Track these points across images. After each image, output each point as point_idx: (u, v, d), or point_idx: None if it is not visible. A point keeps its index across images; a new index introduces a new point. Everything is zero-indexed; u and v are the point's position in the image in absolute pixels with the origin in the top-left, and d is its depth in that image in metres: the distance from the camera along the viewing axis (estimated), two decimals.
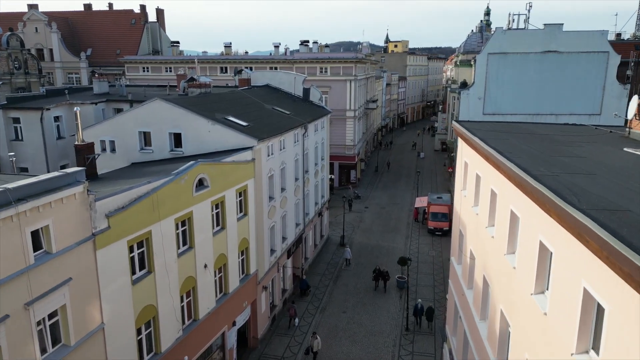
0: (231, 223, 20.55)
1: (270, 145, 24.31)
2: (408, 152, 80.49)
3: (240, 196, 21.50)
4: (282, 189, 26.73)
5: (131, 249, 14.86)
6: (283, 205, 26.80)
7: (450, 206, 42.31)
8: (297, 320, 26.50)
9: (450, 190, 53.88)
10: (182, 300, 17.59)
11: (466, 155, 17.22)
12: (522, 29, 50.97)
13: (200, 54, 62.16)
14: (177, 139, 22.98)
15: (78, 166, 19.51)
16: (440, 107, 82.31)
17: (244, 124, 23.77)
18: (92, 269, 13.30)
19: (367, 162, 68.62)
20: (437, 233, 40.24)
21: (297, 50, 56.61)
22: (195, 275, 18.16)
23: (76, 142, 19.18)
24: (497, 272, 12.36)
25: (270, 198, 24.92)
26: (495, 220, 12.74)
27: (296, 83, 36.68)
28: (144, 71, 56.83)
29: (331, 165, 54.67)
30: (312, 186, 33.21)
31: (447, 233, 40.28)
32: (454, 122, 19.47)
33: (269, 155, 24.18)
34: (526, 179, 9.18)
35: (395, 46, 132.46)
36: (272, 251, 25.60)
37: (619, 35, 58.72)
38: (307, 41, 57.35)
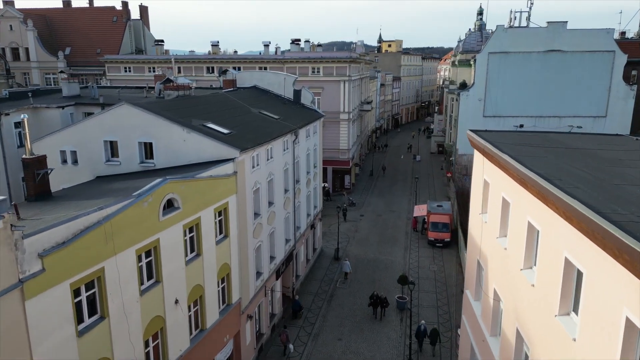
0: (208, 248, 17.70)
1: (255, 156, 21.48)
2: (403, 155, 77.93)
3: (219, 215, 18.66)
4: (270, 203, 23.92)
5: (77, 293, 11.98)
6: (271, 221, 23.98)
7: (452, 215, 39.69)
8: (291, 346, 23.74)
9: (449, 196, 51.33)
10: (146, 346, 14.72)
11: (488, 173, 14.51)
12: (524, 27, 48.57)
13: (187, 54, 59.13)
14: (148, 150, 20.09)
15: (27, 183, 16.64)
16: (437, 108, 79.86)
17: (226, 131, 20.92)
18: (20, 325, 10.41)
19: (362, 166, 65.94)
20: (437, 245, 37.61)
21: (288, 50, 53.78)
22: (164, 314, 15.29)
23: (24, 155, 16.27)
24: (544, 333, 9.61)
25: (256, 215, 22.09)
26: (538, 265, 10.01)
27: (286, 84, 33.88)
28: (125, 71, 53.67)
29: (324, 170, 51.92)
30: (303, 197, 30.42)
31: (449, 244, 37.67)
32: (469, 133, 16.81)
33: (254, 167, 21.35)
34: (605, 226, 6.47)
35: (389, 46, 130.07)
36: (259, 274, 22.77)
37: (623, 33, 56.57)
38: (299, 40, 54.56)
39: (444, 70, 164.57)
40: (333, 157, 51.19)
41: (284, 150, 25.76)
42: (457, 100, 53.21)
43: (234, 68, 51.00)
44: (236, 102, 27.57)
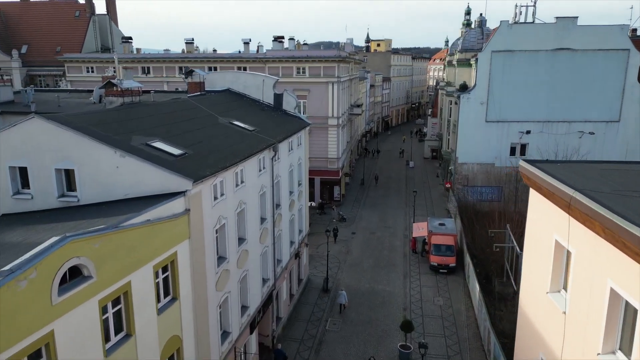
0: (145, 322, 12.55)
1: (219, 183, 16.36)
2: (396, 161, 73.25)
3: (164, 273, 13.52)
4: (241, 240, 18.81)
5: None
6: (242, 263, 18.85)
7: (457, 236, 34.95)
8: None
9: (448, 209, 46.65)
10: None
11: (573, 240, 9.41)
12: (531, 22, 44.17)
13: (161, 52, 53.62)
14: (70, 179, 14.84)
15: None
16: (430, 110, 75.43)
17: (178, 152, 15.76)
18: None
19: (352, 175, 61.05)
20: (441, 271, 32.80)
21: (271, 49, 48.62)
22: None
23: None
24: None
25: (221, 259, 16.96)
26: None
27: (265, 87, 28.77)
28: (88, 72, 48.01)
29: (311, 181, 46.97)
30: (285, 223, 25.35)
31: (454, 270, 32.90)
32: (523, 164, 11.90)
33: (217, 198, 16.24)
34: None
35: (378, 45, 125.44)
36: (226, 334, 17.64)
37: (634, 31, 52.53)
38: (282, 37, 49.44)
39: (433, 70, 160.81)
40: (321, 167, 46.22)
41: (260, 170, 20.68)
42: (456, 103, 48.65)
43: (210, 68, 45.78)
44: (201, 110, 22.40)
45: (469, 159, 45.92)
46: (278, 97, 28.78)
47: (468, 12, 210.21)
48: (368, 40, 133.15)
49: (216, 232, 16.36)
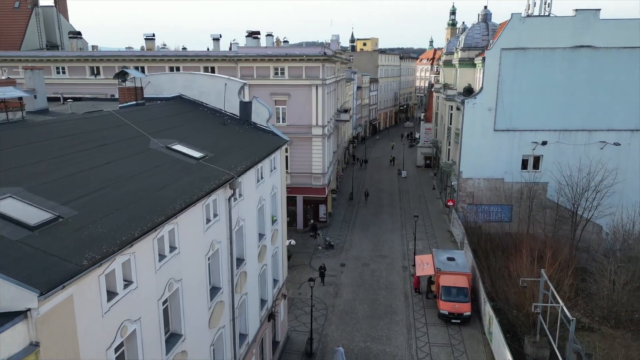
0: None
1: (118, 269, 9.53)
2: (386, 170, 66.90)
3: None
4: (173, 340, 12.00)
5: None
6: None
7: (470, 275, 28.57)
8: None
9: (451, 231, 40.38)
10: None
11: None
12: (546, 15, 38.18)
13: (122, 50, 46.18)
14: None
15: None
16: (422, 114, 69.33)
17: (38, 219, 8.86)
18: None
19: (339, 187, 54.49)
20: (454, 321, 26.37)
21: (244, 45, 41.73)
22: None
23: None
24: None
25: None
26: None
27: (228, 93, 21.97)
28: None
29: (292, 199, 40.33)
30: (253, 281, 18.55)
31: (469, 320, 26.51)
32: None
33: (115, 296, 9.40)
34: None
35: (364, 44, 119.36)
36: None
37: None
38: (257, 33, 42.61)
39: (420, 71, 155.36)
40: (304, 183, 39.53)
41: (209, 221, 13.89)
42: (458, 109, 42.45)
43: (172, 69, 38.72)
44: (128, 129, 15.49)
45: (475, 173, 39.74)
46: (245, 107, 21.98)
47: (453, 12, 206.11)
48: (353, 40, 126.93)
49: (115, 351, 9.51)
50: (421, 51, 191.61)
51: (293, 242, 24.35)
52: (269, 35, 45.74)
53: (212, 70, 38.40)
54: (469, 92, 39.00)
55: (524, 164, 39.31)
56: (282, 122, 38.69)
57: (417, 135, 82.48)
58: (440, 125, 56.68)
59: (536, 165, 39.32)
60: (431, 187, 56.63)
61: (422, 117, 68.66)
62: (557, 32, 36.69)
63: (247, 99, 22.65)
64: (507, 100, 38.04)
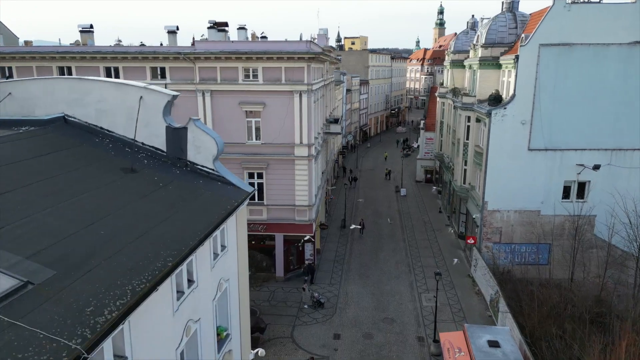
0: None
1: None
2: (381, 186, 58.15)
3: None
4: None
5: None
6: None
7: None
8: None
9: (475, 281, 31.61)
10: None
11: None
12: (597, 2, 29.77)
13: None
14: None
15: None
16: (422, 122, 60.75)
17: None
18: None
19: (329, 212, 45.51)
20: None
21: (206, 39, 32.48)
22: None
23: None
24: None
25: None
26: None
27: (148, 112, 12.74)
28: None
29: (271, 237, 31.31)
30: None
31: None
32: None
33: None
34: None
35: (353, 43, 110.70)
36: None
37: None
38: (224, 24, 33.44)
39: (410, 72, 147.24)
40: (285, 219, 30.44)
41: None
42: (478, 121, 33.84)
43: (109, 70, 29.28)
44: None
45: (504, 203, 31.14)
46: (176, 137, 12.74)
47: (441, 12, 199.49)
48: (340, 40, 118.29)
49: None
50: (407, 52, 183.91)
51: (262, 352, 15.27)
52: (242, 28, 36.43)
53: (162, 72, 29.10)
54: (496, 100, 30.34)
55: (566, 192, 30.87)
56: (255, 139, 29.59)
57: (414, 144, 73.98)
58: (447, 136, 48.12)
59: (581, 194, 30.90)
60: (437, 210, 48.01)
61: (421, 126, 60.03)
62: (612, 23, 28.27)
63: (177, 125, 13.36)
64: (545, 111, 29.52)
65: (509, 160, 30.30)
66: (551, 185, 30.58)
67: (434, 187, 54.98)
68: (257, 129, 29.44)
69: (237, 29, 36.32)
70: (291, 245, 32.29)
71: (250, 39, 37.60)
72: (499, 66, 33.27)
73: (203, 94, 28.88)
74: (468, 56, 45.03)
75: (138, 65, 28.85)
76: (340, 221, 42.97)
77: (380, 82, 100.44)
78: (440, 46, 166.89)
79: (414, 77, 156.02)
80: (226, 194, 12.20)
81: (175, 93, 13.63)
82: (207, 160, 12.87)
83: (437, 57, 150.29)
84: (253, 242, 31.67)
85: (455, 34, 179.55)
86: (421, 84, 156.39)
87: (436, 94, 52.97)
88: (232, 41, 29.93)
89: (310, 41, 29.05)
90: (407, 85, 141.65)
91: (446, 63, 50.35)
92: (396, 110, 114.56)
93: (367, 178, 62.02)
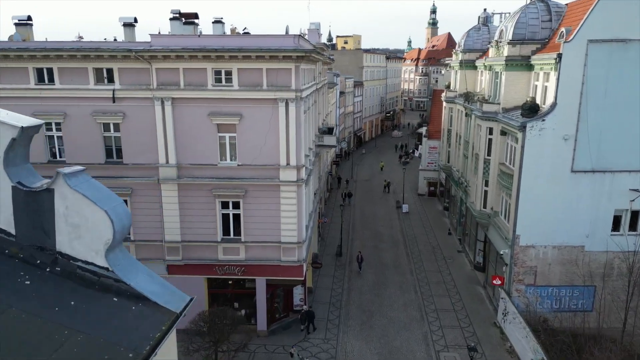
0: None
1: None
2: (380, 200, 52.09)
3: None
4: None
5: None
6: None
7: None
8: None
9: (498, 324, 25.51)
10: None
11: None
12: None
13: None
14: None
15: None
16: (425, 129, 54.82)
17: None
18: None
19: (322, 237, 39.33)
20: None
21: (168, 33, 26.10)
22: None
23: None
24: None
25: None
26: None
27: None
28: None
29: (250, 281, 25.14)
30: None
31: None
32: None
33: None
34: None
35: (345, 42, 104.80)
36: None
37: None
38: (193, 16, 27.08)
39: (403, 72, 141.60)
40: (268, 259, 24.15)
41: None
42: (504, 134, 27.89)
43: (41, 71, 22.81)
44: None
45: (540, 238, 25.17)
46: (33, 207, 6.38)
47: (434, 11, 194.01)
48: (331, 39, 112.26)
49: None
50: (399, 52, 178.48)
51: None
52: (218, 22, 30.05)
53: (110, 75, 22.66)
54: (531, 110, 24.33)
55: (617, 223, 25.00)
56: (230, 160, 23.31)
57: (416, 153, 68.12)
58: (456, 146, 42.22)
59: (634, 225, 25.07)
60: (446, 231, 42.08)
61: (424, 134, 54.08)
62: None
63: (84, 173, 7.03)
64: (594, 124, 23.60)
65: (548, 185, 24.34)
66: (598, 215, 24.68)
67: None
68: (233, 147, 23.15)
69: (213, 22, 30.01)
70: (277, 288, 26.10)
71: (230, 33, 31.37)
72: (530, 67, 27.31)
73: (162, 103, 22.54)
74: (481, 55, 39.25)
75: (78, 65, 22.39)
76: (336, 248, 36.80)
77: (375, 84, 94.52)
78: (433, 46, 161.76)
79: (408, 77, 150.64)
80: (127, 327, 5.81)
81: (37, 122, 6.95)
82: (95, 250, 6.51)
83: (431, 57, 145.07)
84: (230, 282, 25.43)
85: (449, 33, 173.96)
86: (416, 85, 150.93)
87: (442, 98, 47.01)
88: (199, 35, 23.56)
89: (299, 36, 22.84)
90: (402, 86, 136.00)
91: (454, 63, 44.41)
92: (391, 113, 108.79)
93: (363, 191, 55.93)
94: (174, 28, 25.47)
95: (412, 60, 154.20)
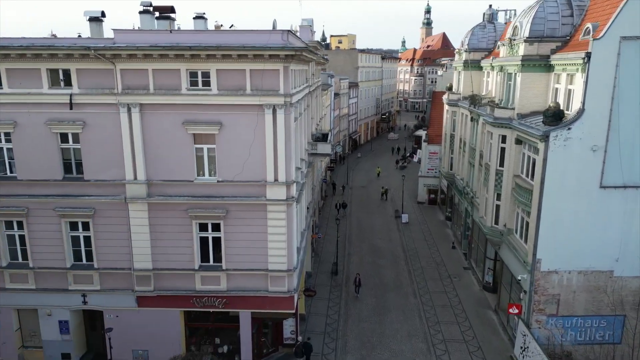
0: None
1: None
2: (377, 209, 48.96)
3: None
4: None
5: None
6: None
7: None
8: None
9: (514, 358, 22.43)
10: None
11: None
12: None
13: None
14: None
15: None
16: (425, 133, 51.76)
17: None
18: None
19: (316, 251, 36.13)
20: None
21: (138, 29, 22.78)
22: None
23: None
24: None
25: None
26: None
27: None
28: None
29: (233, 317, 21.94)
30: None
31: None
32: None
33: None
34: None
35: (340, 42, 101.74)
36: None
37: None
38: (168, 9, 23.80)
39: (399, 73, 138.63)
40: (253, 289, 20.90)
41: None
42: (519, 142, 24.86)
43: None
44: None
45: (563, 262, 22.14)
46: None
47: (428, 11, 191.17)
48: (325, 39, 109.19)
49: None
50: (393, 52, 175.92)
51: None
52: (200, 17, 26.89)
53: (67, 77, 19.33)
54: (555, 117, 21.32)
55: None
56: (209, 175, 20.06)
57: (414, 158, 65.10)
58: (459, 153, 39.26)
59: None
60: (449, 244, 39.06)
61: (424, 138, 51.08)
62: None
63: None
64: (626, 133, 20.62)
65: (573, 202, 21.30)
66: (630, 236, 21.69)
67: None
68: (212, 161, 19.90)
69: (194, 18, 26.87)
70: (258, 324, 22.86)
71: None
72: (549, 68, 24.29)
73: (129, 110, 19.25)
74: (487, 55, 36.34)
75: (29, 66, 19.04)
76: (331, 266, 33.61)
77: (370, 85, 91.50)
78: (428, 46, 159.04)
79: (404, 78, 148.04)
80: None
81: None
82: None
83: (426, 58, 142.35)
84: (211, 312, 22.17)
85: (444, 33, 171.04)
86: (411, 86, 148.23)
87: (444, 101, 44.01)
88: (170, 31, 20.26)
89: (289, 31, 19.60)
90: (397, 87, 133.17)
91: (456, 63, 41.43)
92: (387, 114, 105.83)
93: (359, 198, 52.80)
94: (145, 23, 22.20)
95: (407, 60, 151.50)
